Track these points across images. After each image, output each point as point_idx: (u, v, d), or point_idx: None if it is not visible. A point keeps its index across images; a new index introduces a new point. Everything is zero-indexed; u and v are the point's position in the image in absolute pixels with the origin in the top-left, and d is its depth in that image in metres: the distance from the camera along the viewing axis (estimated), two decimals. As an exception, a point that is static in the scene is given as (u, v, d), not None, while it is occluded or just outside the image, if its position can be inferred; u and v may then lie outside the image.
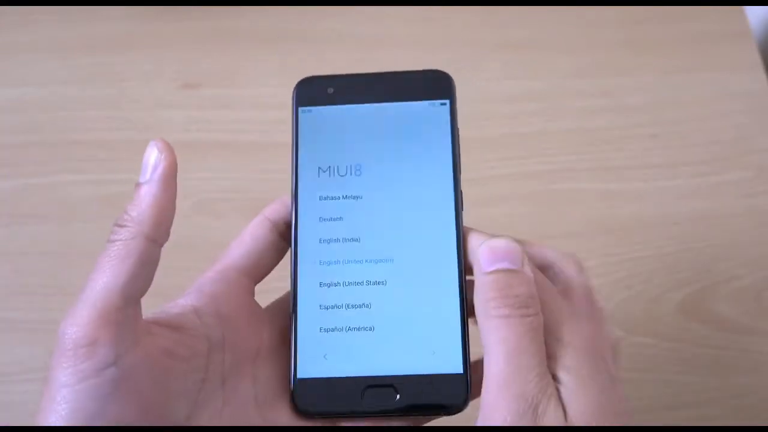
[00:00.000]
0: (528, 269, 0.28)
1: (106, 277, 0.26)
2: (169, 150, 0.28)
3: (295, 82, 0.34)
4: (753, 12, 0.62)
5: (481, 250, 0.29)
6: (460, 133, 0.33)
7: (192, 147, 0.54)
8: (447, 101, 0.33)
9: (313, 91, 0.33)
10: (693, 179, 0.54)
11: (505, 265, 0.28)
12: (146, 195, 0.28)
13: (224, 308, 0.30)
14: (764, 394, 0.47)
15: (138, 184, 0.28)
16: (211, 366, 0.29)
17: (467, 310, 0.31)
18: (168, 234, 0.28)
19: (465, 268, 0.31)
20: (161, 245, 0.28)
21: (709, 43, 0.59)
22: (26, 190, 0.52)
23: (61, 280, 0.48)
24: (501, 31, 0.59)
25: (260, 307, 0.32)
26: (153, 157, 0.28)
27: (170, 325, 0.28)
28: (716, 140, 0.55)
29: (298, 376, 0.31)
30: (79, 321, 0.25)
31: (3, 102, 0.55)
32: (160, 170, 0.28)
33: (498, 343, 0.27)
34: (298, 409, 0.30)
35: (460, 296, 0.31)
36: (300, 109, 0.33)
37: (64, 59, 0.57)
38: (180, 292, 0.30)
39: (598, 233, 0.51)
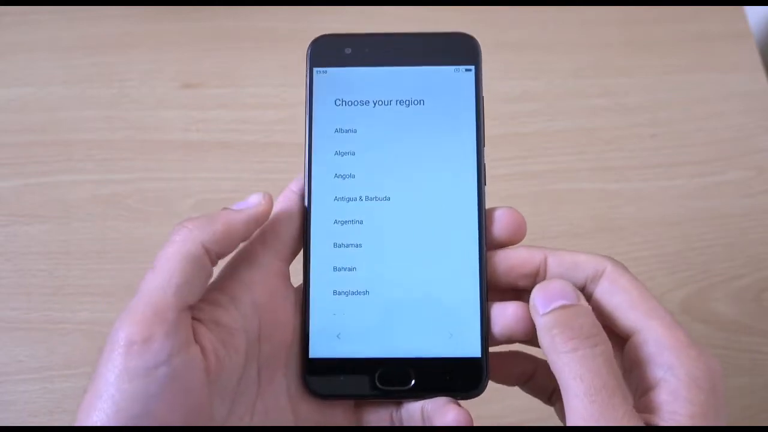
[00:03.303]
0: (584, 302, 0.28)
1: (161, 277, 0.26)
2: (269, 204, 0.29)
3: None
4: (753, 12, 0.62)
5: (533, 294, 0.28)
6: (485, 102, 0.31)
7: (192, 147, 0.53)
8: (472, 67, 0.31)
9: (330, 51, 0.31)
10: (693, 179, 0.54)
11: (560, 302, 0.28)
12: (224, 216, 0.28)
13: (260, 297, 0.29)
14: (764, 394, 0.47)
15: (225, 208, 0.29)
16: (248, 360, 0.28)
17: (487, 291, 0.30)
18: (219, 257, 0.28)
19: (486, 247, 0.30)
20: (214, 262, 0.28)
21: (709, 43, 0.59)
22: (26, 190, 0.52)
23: (61, 280, 0.48)
24: (501, 31, 0.59)
25: (293, 290, 0.31)
26: (253, 199, 0.29)
27: (210, 321, 0.28)
28: (716, 140, 0.55)
29: (310, 355, 0.29)
30: (133, 318, 0.25)
31: (3, 102, 0.55)
32: (251, 211, 0.29)
33: (574, 380, 0.26)
34: (309, 391, 0.29)
35: (480, 277, 0.30)
36: (315, 69, 0.31)
37: (64, 59, 0.57)
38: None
39: (598, 233, 0.51)
